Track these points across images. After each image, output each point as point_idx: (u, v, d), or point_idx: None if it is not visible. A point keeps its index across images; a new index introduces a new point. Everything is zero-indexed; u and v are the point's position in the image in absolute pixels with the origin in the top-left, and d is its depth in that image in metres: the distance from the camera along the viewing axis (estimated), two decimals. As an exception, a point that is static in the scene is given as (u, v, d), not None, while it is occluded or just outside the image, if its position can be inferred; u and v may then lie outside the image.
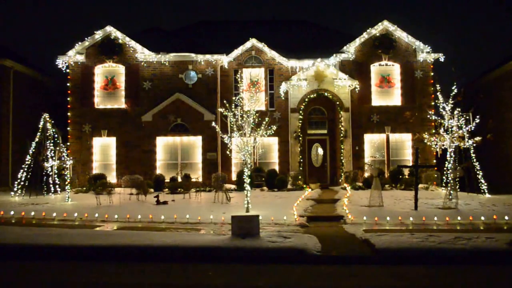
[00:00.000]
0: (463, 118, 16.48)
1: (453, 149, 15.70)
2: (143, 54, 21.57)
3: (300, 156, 21.12)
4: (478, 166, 18.49)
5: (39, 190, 18.31)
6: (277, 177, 19.50)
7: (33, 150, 18.60)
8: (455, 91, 16.09)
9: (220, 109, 15.79)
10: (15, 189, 18.39)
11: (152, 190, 18.47)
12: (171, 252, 8.88)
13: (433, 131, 20.09)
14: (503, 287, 7.39)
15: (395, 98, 21.76)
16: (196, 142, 21.29)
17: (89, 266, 8.40)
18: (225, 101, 14.94)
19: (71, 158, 18.62)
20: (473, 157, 18.56)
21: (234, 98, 16.98)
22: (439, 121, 16.12)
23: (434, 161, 20.72)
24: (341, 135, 21.04)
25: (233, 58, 22.09)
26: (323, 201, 16.44)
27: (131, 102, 21.59)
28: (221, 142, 20.74)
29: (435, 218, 12.73)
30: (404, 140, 21.68)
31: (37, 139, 18.58)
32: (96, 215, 13.60)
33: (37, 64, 27.52)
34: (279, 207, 14.58)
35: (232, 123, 13.65)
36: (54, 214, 13.79)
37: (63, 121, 21.54)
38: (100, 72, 21.88)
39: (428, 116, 20.26)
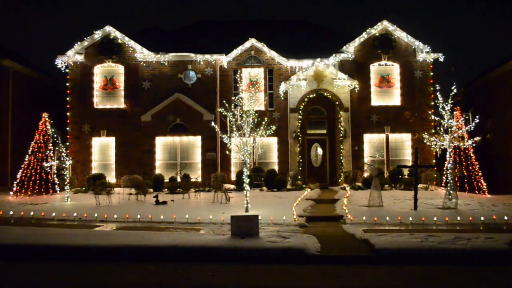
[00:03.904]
0: (462, 118, 16.53)
1: (453, 149, 15.70)
2: (142, 54, 21.55)
3: (300, 156, 21.10)
4: (478, 166, 18.49)
5: (38, 190, 18.29)
6: (277, 177, 19.48)
7: (32, 150, 18.60)
8: (455, 91, 16.09)
9: (219, 109, 15.73)
10: (14, 189, 18.38)
11: (151, 190, 18.45)
12: (171, 252, 8.86)
13: (433, 131, 20.13)
14: (503, 287, 7.37)
15: (394, 98, 21.74)
16: (195, 142, 21.27)
17: (88, 266, 8.38)
18: (224, 101, 14.89)
19: (70, 158, 18.58)
20: (473, 157, 18.58)
21: (233, 98, 17.00)
22: (438, 121, 16.12)
23: (434, 161, 20.70)
24: (341, 135, 21.03)
25: (232, 58, 22.05)
26: (323, 201, 16.42)
27: (130, 102, 21.58)
28: (220, 142, 20.76)
29: (435, 218, 12.70)
30: (403, 140, 21.66)
31: (36, 139, 18.55)
32: (95, 215, 13.57)
33: (37, 64, 27.57)
34: (279, 207, 14.56)
35: (231, 123, 13.63)
36: (53, 214, 13.76)
37: (63, 121, 21.55)
38: (99, 72, 21.86)
39: (428, 116, 20.28)
